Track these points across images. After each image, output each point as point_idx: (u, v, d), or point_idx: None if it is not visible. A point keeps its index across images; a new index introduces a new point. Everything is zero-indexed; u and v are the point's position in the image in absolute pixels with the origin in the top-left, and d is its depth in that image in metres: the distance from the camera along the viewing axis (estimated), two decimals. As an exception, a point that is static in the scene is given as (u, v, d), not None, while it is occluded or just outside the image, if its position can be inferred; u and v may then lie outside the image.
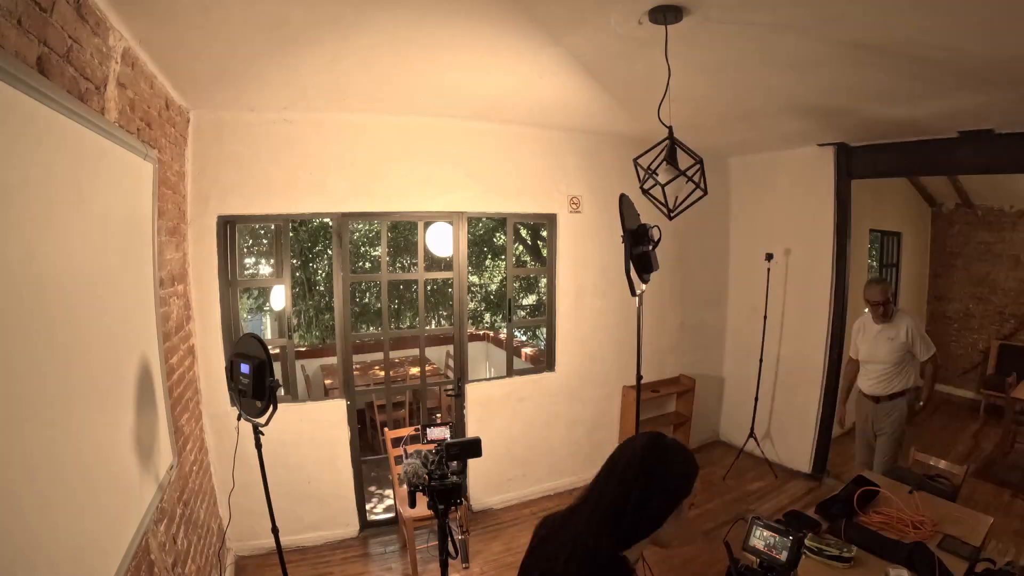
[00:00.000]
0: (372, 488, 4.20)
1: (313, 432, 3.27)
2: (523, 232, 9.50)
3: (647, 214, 2.29)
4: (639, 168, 1.98)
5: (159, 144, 2.21)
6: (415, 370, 5.59)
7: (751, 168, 4.61)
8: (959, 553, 2.03)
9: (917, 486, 2.51)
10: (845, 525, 2.17)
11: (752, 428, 4.37)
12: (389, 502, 3.98)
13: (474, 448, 1.97)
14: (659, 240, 2.17)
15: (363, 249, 9.21)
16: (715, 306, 4.82)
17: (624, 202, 2.18)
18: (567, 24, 1.82)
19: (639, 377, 2.51)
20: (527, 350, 5.62)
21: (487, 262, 9.98)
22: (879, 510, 2.31)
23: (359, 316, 9.23)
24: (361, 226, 8.80)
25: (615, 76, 2.42)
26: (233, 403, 2.92)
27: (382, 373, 4.57)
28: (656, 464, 1.09)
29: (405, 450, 2.51)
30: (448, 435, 2.09)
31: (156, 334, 2.00)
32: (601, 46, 2.02)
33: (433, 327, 8.53)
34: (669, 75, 1.85)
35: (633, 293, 2.23)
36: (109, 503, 1.42)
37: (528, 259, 9.92)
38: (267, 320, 8.49)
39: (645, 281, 2.22)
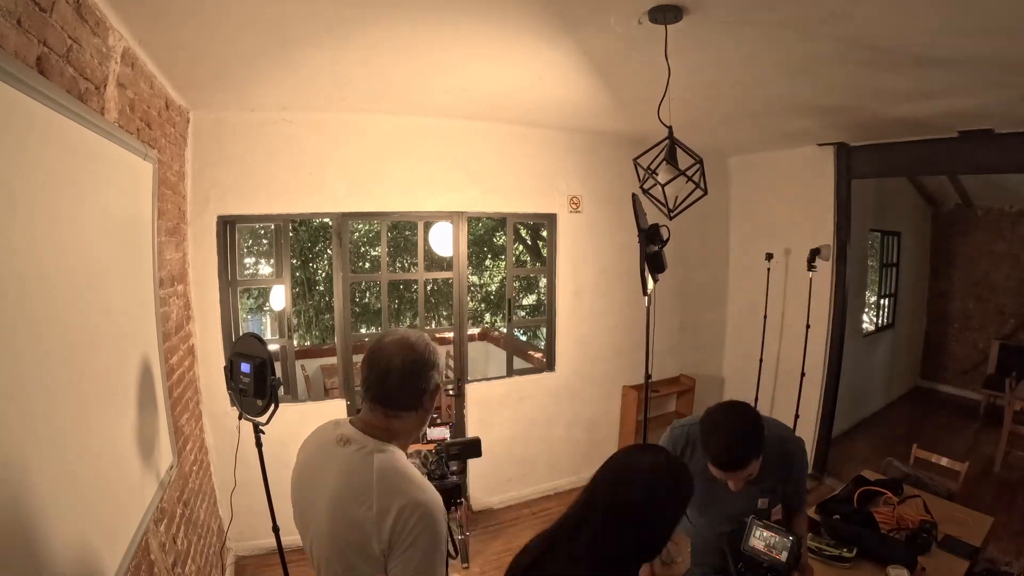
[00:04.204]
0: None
1: (313, 432, 3.27)
2: (523, 232, 9.50)
3: (648, 214, 2.29)
4: (639, 168, 1.98)
5: (159, 144, 2.21)
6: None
7: (751, 168, 4.60)
8: (959, 553, 2.04)
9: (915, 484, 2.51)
10: (845, 525, 2.17)
11: (752, 428, 4.36)
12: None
13: (474, 448, 1.97)
14: (668, 240, 2.18)
15: (363, 249, 9.21)
16: (715, 306, 4.81)
17: (637, 201, 2.18)
18: (567, 24, 1.82)
19: (648, 376, 2.51)
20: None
21: (487, 262, 9.97)
22: (879, 510, 2.31)
23: (359, 316, 9.22)
24: (361, 226, 8.80)
25: (615, 76, 2.42)
26: (233, 403, 2.91)
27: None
28: (668, 498, 1.01)
29: (405, 450, 2.51)
30: (448, 435, 2.09)
31: (156, 334, 2.00)
32: (601, 46, 2.02)
33: (433, 327, 8.53)
34: (669, 75, 1.85)
35: (645, 292, 2.23)
36: (109, 503, 1.42)
37: (528, 259, 9.92)
38: (267, 320, 8.48)
39: (655, 280, 2.23)
